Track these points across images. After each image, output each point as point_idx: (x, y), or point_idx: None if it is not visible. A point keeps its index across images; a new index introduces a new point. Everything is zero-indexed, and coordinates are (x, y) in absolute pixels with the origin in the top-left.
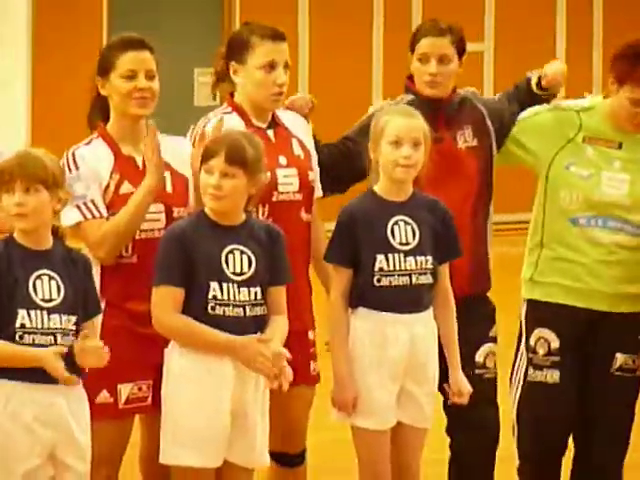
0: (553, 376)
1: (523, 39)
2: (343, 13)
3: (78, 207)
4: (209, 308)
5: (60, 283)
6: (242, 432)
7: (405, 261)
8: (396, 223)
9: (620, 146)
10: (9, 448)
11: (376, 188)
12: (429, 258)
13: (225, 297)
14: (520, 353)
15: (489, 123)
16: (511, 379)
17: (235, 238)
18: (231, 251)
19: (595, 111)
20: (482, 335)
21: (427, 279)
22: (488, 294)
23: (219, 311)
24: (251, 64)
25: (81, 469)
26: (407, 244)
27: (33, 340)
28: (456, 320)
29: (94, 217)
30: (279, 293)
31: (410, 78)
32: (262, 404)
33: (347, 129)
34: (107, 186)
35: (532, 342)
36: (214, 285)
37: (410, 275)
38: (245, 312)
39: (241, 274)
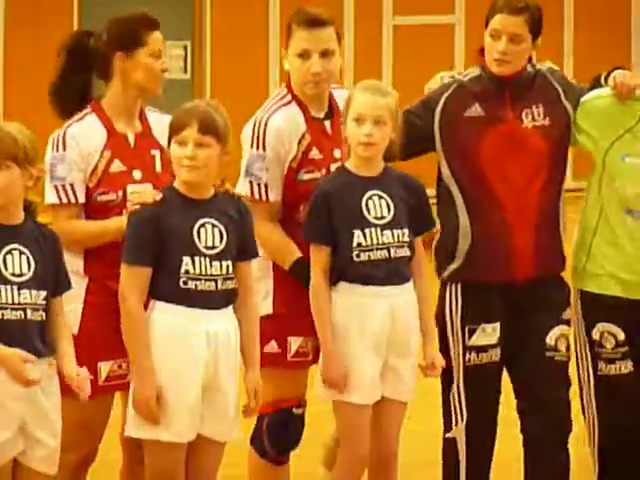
0: (627, 366)
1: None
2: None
3: (56, 188)
4: (181, 282)
5: (30, 258)
6: (214, 406)
7: (382, 235)
8: (370, 198)
9: None
10: None
11: (347, 164)
12: (405, 231)
13: (197, 271)
14: (580, 347)
15: (565, 102)
16: (579, 377)
17: (206, 212)
18: (203, 225)
19: None
20: (553, 317)
21: (405, 252)
22: (561, 275)
23: (191, 285)
24: (290, 51)
25: (51, 444)
26: (382, 218)
27: (2, 315)
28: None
29: (69, 202)
30: (248, 268)
31: (481, 51)
32: (234, 376)
33: None
34: (96, 166)
35: (596, 336)
36: (186, 259)
37: (388, 249)
38: (217, 286)
39: (213, 247)
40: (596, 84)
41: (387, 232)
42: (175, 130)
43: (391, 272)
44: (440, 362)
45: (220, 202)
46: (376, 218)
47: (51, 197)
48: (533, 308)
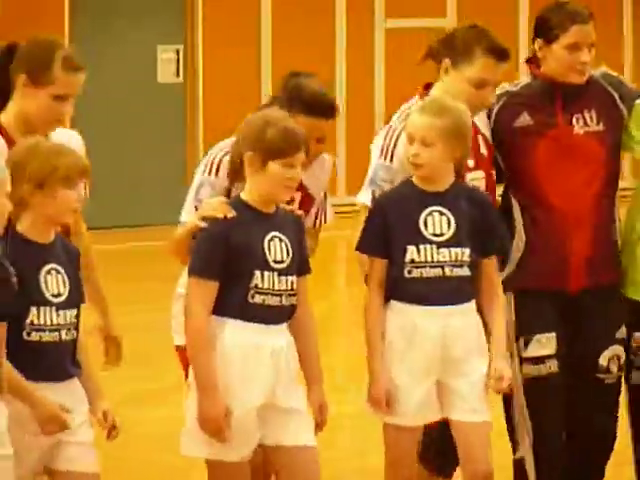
0: None
1: (485, 13)
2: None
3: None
4: (249, 296)
5: (65, 277)
6: (275, 420)
7: (438, 253)
8: (430, 214)
9: None
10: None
11: (414, 177)
12: (466, 250)
13: (266, 285)
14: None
15: (622, 106)
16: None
17: (273, 225)
18: (272, 239)
19: None
20: (607, 335)
21: (464, 271)
22: (618, 288)
23: (258, 299)
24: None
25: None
26: (441, 235)
27: (40, 337)
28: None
29: None
30: (305, 283)
31: (530, 60)
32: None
33: None
34: None
35: (634, 346)
36: (257, 273)
37: (443, 267)
38: (282, 301)
39: (281, 262)
40: None
41: (444, 250)
42: (284, 152)
43: (445, 291)
44: (507, 373)
45: (282, 217)
46: (434, 235)
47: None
48: (588, 322)
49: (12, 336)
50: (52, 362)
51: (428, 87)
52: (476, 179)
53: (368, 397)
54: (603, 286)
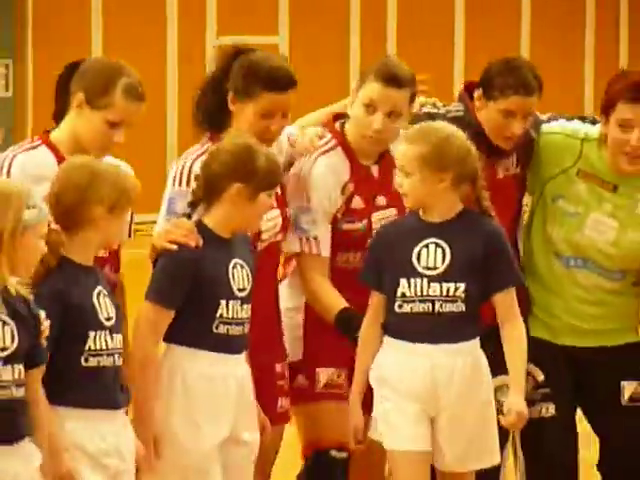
0: (549, 409)
1: (316, 31)
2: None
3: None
4: (214, 326)
5: (110, 300)
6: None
7: (429, 287)
8: (426, 246)
9: (615, 189)
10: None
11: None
12: (461, 285)
13: (230, 315)
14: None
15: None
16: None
17: (235, 251)
18: (234, 265)
19: (598, 143)
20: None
21: (457, 307)
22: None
23: (222, 330)
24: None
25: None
26: (434, 269)
27: (98, 362)
28: None
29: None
30: None
31: (467, 88)
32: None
33: None
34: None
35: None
36: (223, 303)
37: (433, 302)
38: (243, 330)
39: (244, 289)
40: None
41: (435, 285)
42: (275, 183)
43: (433, 327)
44: (517, 408)
45: (238, 241)
46: (426, 268)
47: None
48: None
49: (69, 365)
50: (109, 387)
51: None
52: (387, 217)
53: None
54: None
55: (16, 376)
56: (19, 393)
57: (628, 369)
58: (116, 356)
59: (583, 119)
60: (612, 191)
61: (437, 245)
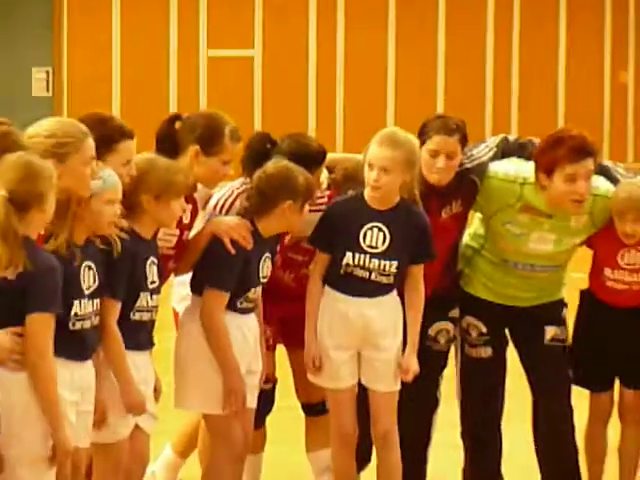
0: (487, 352)
1: (283, 46)
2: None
3: None
4: (131, 314)
5: (155, 267)
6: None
7: (370, 261)
8: (370, 228)
9: (550, 216)
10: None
11: (366, 193)
12: (394, 263)
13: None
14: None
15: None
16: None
17: (267, 246)
18: (264, 259)
19: (535, 187)
20: (439, 313)
21: (387, 280)
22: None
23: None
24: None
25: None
26: (375, 248)
27: (141, 317)
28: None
29: None
30: None
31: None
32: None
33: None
34: None
35: (464, 326)
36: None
37: (370, 272)
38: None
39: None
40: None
41: (375, 260)
42: (309, 196)
43: (366, 290)
44: (414, 368)
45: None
46: (370, 247)
47: None
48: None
49: (122, 316)
50: (148, 335)
51: None
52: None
53: (304, 362)
54: (443, 288)
55: (95, 308)
56: (96, 321)
57: (550, 317)
58: (153, 312)
59: (523, 147)
60: (549, 218)
61: (379, 229)
